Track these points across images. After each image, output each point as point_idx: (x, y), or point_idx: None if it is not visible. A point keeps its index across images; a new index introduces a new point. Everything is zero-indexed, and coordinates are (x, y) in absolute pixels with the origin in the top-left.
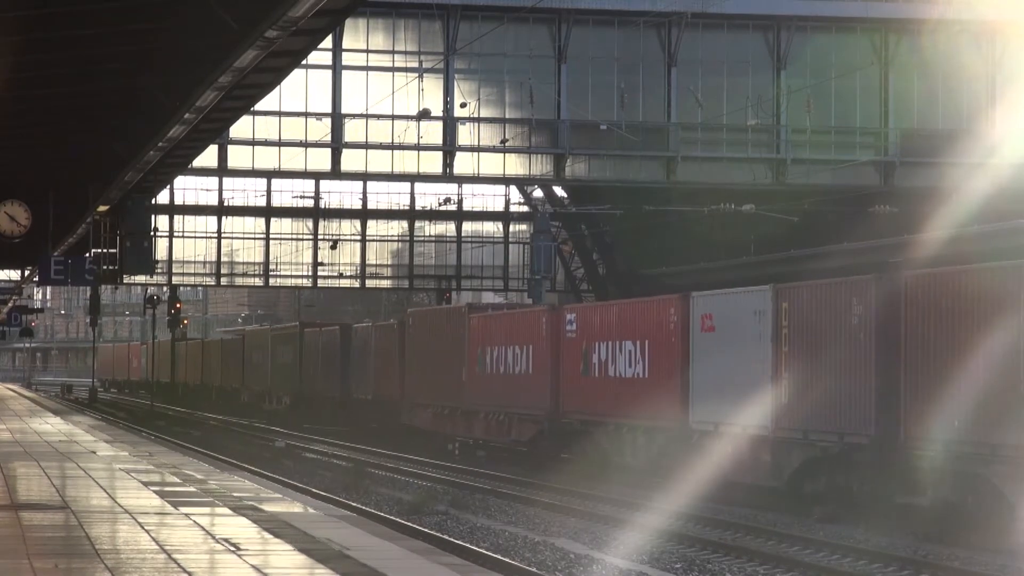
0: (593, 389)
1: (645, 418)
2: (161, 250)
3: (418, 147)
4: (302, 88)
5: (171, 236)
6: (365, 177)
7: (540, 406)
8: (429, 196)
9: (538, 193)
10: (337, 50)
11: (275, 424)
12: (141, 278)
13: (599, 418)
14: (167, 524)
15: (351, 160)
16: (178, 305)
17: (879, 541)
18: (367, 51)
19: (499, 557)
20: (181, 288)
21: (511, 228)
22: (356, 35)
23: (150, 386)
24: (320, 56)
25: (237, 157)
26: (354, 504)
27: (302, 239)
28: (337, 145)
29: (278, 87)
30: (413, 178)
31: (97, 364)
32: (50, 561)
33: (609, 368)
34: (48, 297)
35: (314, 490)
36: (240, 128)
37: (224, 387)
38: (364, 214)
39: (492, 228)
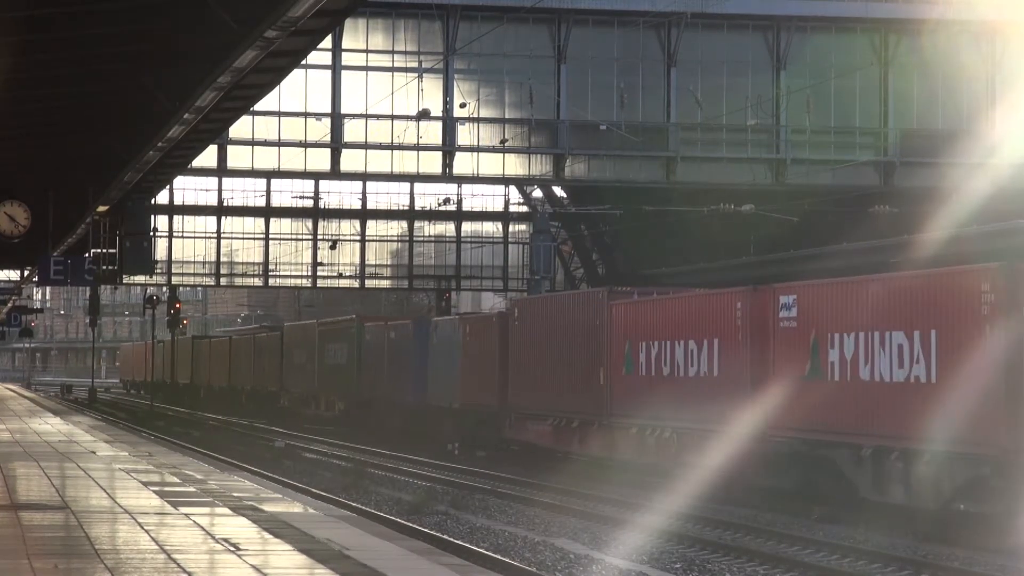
0: (828, 397)
1: (933, 440)
2: (161, 250)
3: (417, 147)
4: (302, 88)
5: (171, 236)
6: (364, 177)
7: (732, 420)
8: (428, 196)
9: (537, 193)
10: (337, 50)
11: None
12: (141, 278)
13: (840, 437)
14: (167, 524)
15: (350, 160)
16: (178, 305)
17: (879, 541)
18: (367, 51)
19: (499, 557)
20: (180, 288)
21: (511, 228)
22: (356, 35)
23: (168, 388)
24: (320, 56)
25: (237, 157)
26: (354, 504)
27: (301, 239)
28: (337, 145)
29: (278, 87)
30: (412, 178)
31: (119, 364)
32: (50, 561)
33: (860, 368)
34: (48, 297)
35: (314, 490)
36: (239, 128)
37: (257, 390)
38: (363, 214)
39: (491, 228)
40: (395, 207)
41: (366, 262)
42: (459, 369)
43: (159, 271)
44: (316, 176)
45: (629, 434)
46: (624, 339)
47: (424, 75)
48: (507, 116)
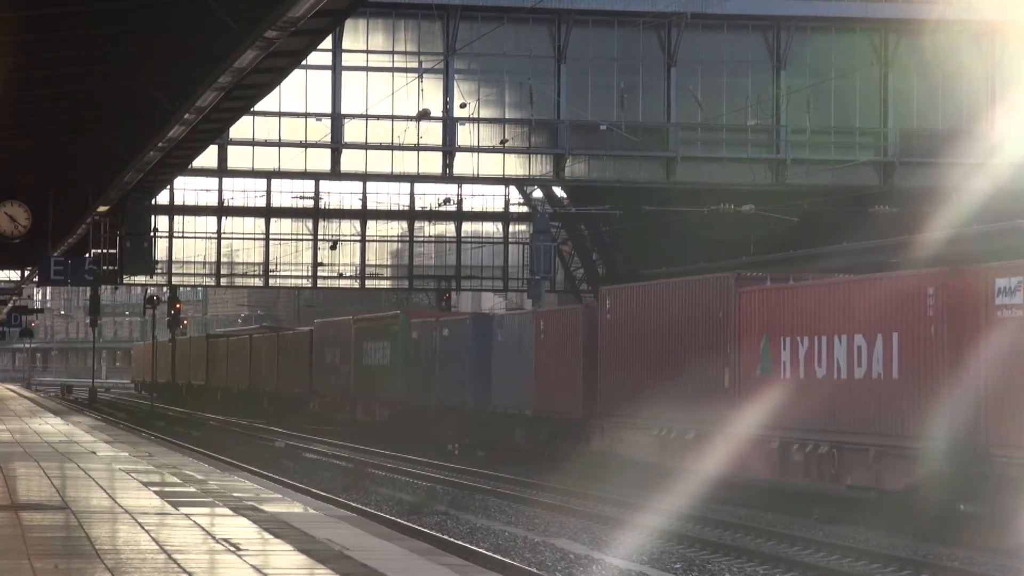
0: None
1: None
2: (161, 250)
3: (418, 147)
4: (302, 88)
5: (171, 236)
6: (365, 177)
7: (923, 434)
8: (429, 196)
9: (538, 193)
10: (337, 50)
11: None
12: (141, 278)
13: None
14: (167, 524)
15: (351, 160)
16: (178, 305)
17: (879, 541)
18: (367, 51)
19: (499, 557)
20: (181, 288)
21: (511, 228)
22: (356, 35)
23: (180, 390)
24: (320, 56)
25: (237, 157)
26: (354, 504)
27: (302, 239)
28: (337, 145)
29: (278, 87)
30: (413, 178)
31: (133, 364)
32: (50, 561)
33: None
34: (48, 298)
35: (314, 490)
36: (240, 128)
37: (282, 392)
38: (364, 214)
39: (492, 228)
40: (395, 207)
41: (366, 262)
42: (532, 371)
43: (159, 271)
44: (316, 176)
45: (768, 448)
46: (759, 333)
47: (424, 75)
48: (507, 116)
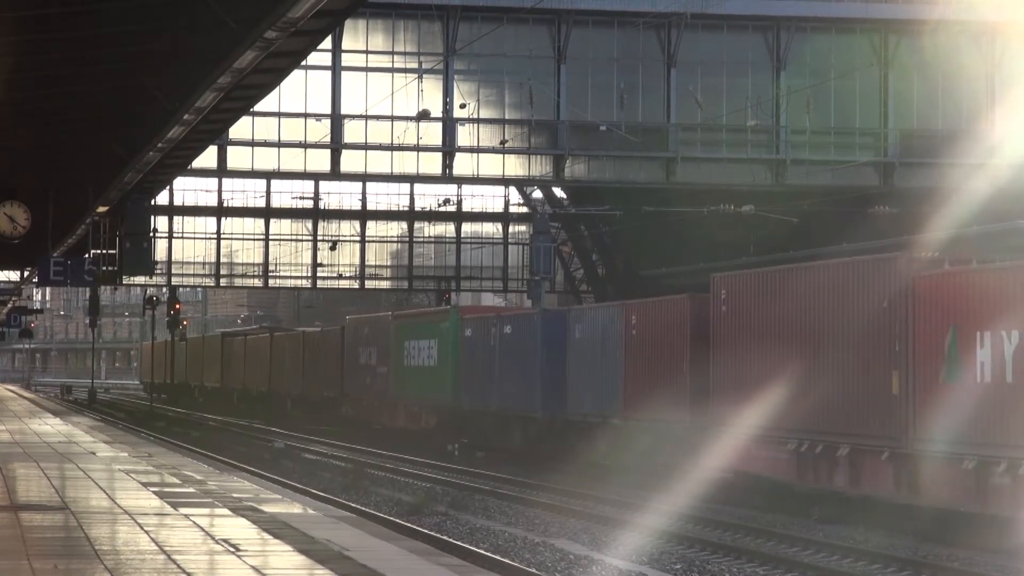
0: None
1: None
2: (160, 251)
3: (417, 148)
4: (301, 89)
5: (170, 237)
6: (364, 178)
7: None
8: (428, 197)
9: (537, 194)
10: (337, 51)
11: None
12: (140, 279)
13: None
14: (167, 525)
15: (350, 161)
16: (177, 306)
17: (879, 541)
18: (367, 52)
19: (498, 558)
20: (180, 289)
21: (510, 229)
22: (356, 36)
23: (192, 392)
24: (320, 57)
25: (236, 158)
26: (353, 505)
27: (301, 240)
28: (336, 146)
29: (277, 88)
30: (412, 179)
31: (140, 364)
32: (50, 562)
33: None
34: (48, 298)
35: (313, 491)
36: (239, 129)
37: (308, 395)
38: (363, 215)
39: (491, 229)
40: (395, 208)
41: (366, 263)
42: (621, 372)
43: (159, 272)
44: (316, 177)
45: (958, 470)
46: (943, 328)
47: (424, 76)
48: (507, 117)
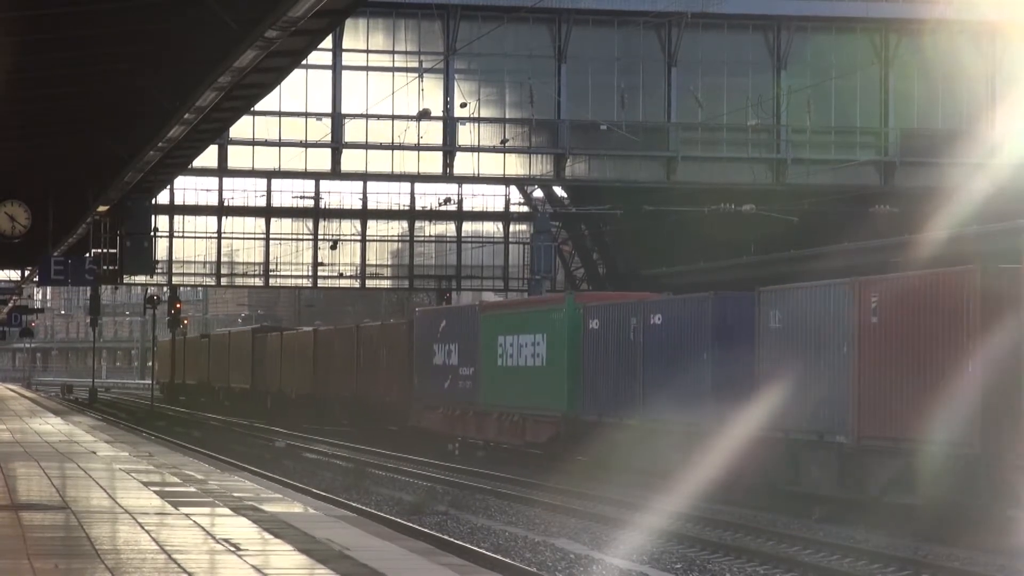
0: None
1: None
2: (161, 250)
3: (418, 147)
4: (302, 88)
5: (171, 236)
6: (365, 177)
7: None
8: (429, 196)
9: (538, 193)
10: (337, 50)
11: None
12: (141, 278)
13: None
14: (167, 524)
15: (351, 160)
16: (178, 305)
17: (879, 541)
18: (367, 51)
19: (499, 557)
20: (181, 288)
21: (511, 228)
22: (356, 35)
23: (214, 394)
24: (320, 56)
25: (237, 157)
26: (354, 504)
27: (302, 239)
28: (337, 145)
29: (278, 87)
30: (413, 178)
31: (156, 364)
32: (50, 561)
33: None
34: (48, 297)
35: (314, 490)
36: (240, 128)
37: (364, 400)
38: (364, 214)
39: (492, 228)
40: (396, 207)
41: (367, 262)
42: (853, 375)
43: (159, 271)
44: (317, 176)
45: None
46: None
47: (424, 75)
48: (507, 116)
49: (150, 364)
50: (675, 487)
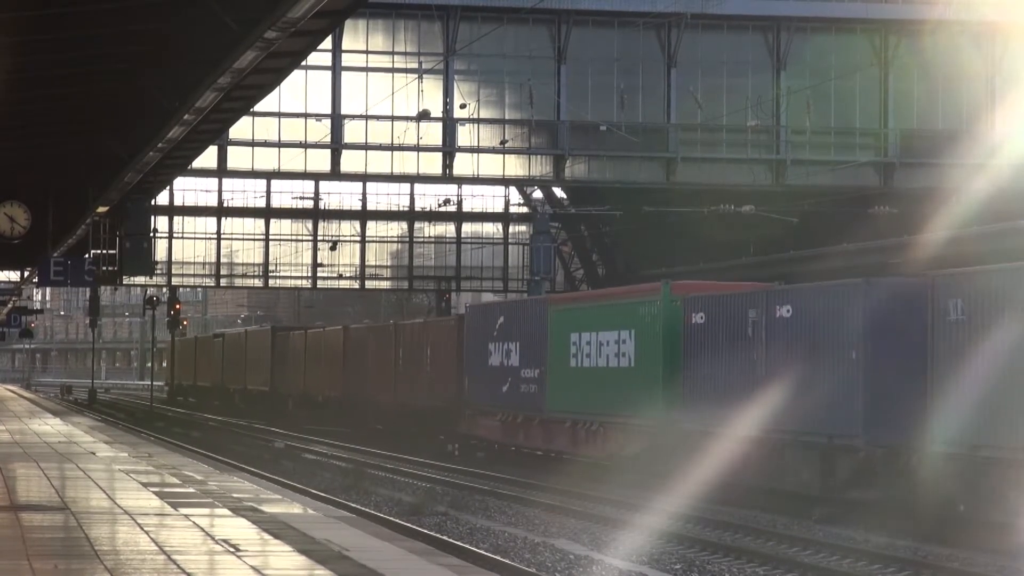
0: None
1: None
2: (161, 251)
3: (418, 148)
4: (302, 89)
5: (171, 237)
6: (365, 178)
7: None
8: (429, 197)
9: (538, 194)
10: (337, 51)
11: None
12: (140, 279)
13: None
14: (167, 525)
15: (351, 161)
16: (177, 306)
17: (879, 542)
18: (367, 52)
19: (498, 558)
20: (180, 289)
21: (511, 229)
22: (356, 36)
23: (227, 396)
24: (320, 57)
25: (237, 158)
26: (353, 505)
27: (302, 240)
28: (337, 146)
29: (278, 88)
30: (413, 179)
31: (167, 364)
32: (50, 562)
33: None
34: (48, 298)
35: (313, 491)
36: (240, 129)
37: (405, 405)
38: (364, 215)
39: (492, 229)
40: (395, 208)
41: (366, 263)
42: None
43: (159, 272)
44: (316, 177)
45: None
46: None
47: (424, 76)
48: (507, 117)
49: (149, 365)
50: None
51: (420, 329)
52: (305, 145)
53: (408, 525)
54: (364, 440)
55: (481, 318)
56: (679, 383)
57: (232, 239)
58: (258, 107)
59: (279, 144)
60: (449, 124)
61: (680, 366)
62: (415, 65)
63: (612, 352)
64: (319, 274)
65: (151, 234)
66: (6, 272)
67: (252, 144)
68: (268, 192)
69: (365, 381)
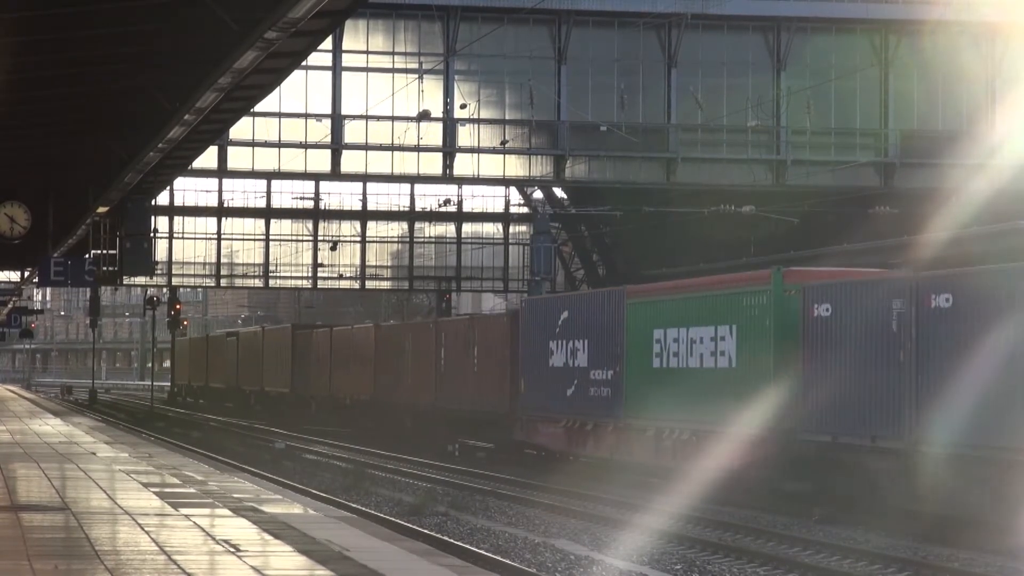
0: None
1: None
2: (161, 251)
3: (418, 148)
4: (302, 89)
5: (171, 237)
6: (365, 178)
7: None
8: (429, 197)
9: (538, 194)
10: (337, 51)
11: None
12: (141, 279)
13: None
14: (167, 525)
15: (351, 161)
16: (178, 306)
17: (879, 542)
18: (367, 52)
19: (499, 558)
20: (180, 289)
21: (511, 229)
22: (356, 36)
23: (243, 398)
24: (320, 57)
25: (237, 158)
26: (354, 505)
27: (302, 240)
28: (337, 146)
29: (278, 88)
30: (413, 179)
31: (174, 365)
32: (50, 562)
33: None
34: (48, 298)
35: (314, 491)
36: (240, 129)
37: (448, 409)
38: (364, 215)
39: (492, 229)
40: (395, 208)
41: (366, 263)
42: None
43: (159, 272)
44: (316, 177)
45: None
46: None
47: (424, 76)
48: (507, 117)
49: (150, 365)
50: (674, 488)
51: (466, 326)
52: (305, 145)
53: (409, 525)
54: (364, 440)
55: (540, 313)
56: (796, 387)
57: (232, 239)
58: (258, 107)
59: (279, 144)
60: (449, 124)
61: (799, 367)
62: (415, 65)
63: (708, 351)
64: (319, 274)
65: (151, 234)
66: (6, 272)
67: (252, 144)
68: (268, 192)
69: (400, 383)
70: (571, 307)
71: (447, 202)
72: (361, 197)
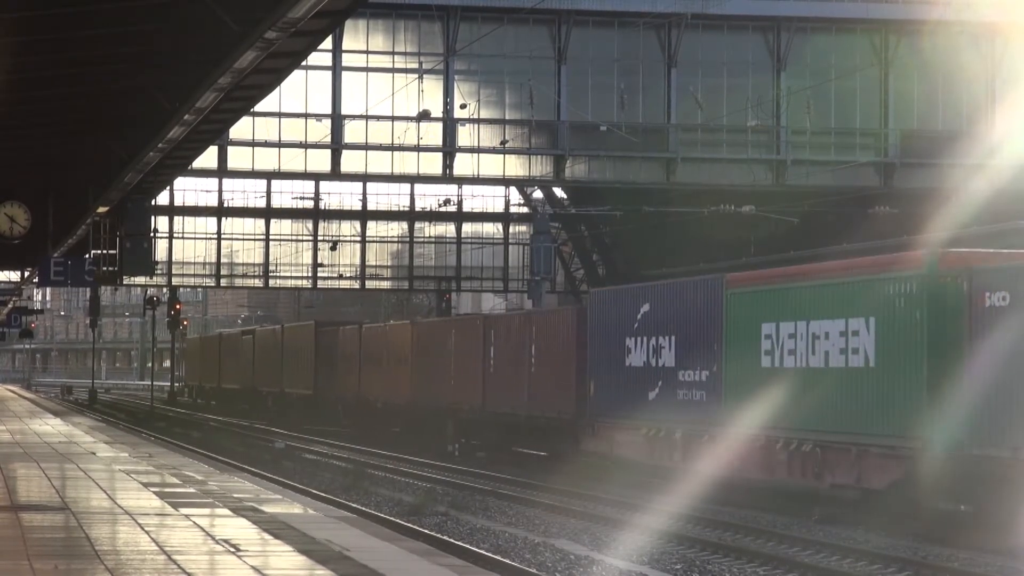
0: None
1: None
2: (161, 251)
3: (418, 148)
4: (302, 89)
5: (171, 237)
6: (365, 178)
7: None
8: (429, 197)
9: (538, 194)
10: (337, 51)
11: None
12: (141, 279)
13: None
14: (167, 525)
15: (351, 161)
16: (178, 306)
17: (879, 542)
18: (367, 52)
19: (499, 558)
20: (180, 289)
21: (511, 229)
22: (356, 36)
23: (259, 400)
24: (320, 57)
25: (237, 158)
26: (354, 505)
27: (302, 240)
28: (337, 146)
29: (278, 88)
30: (413, 179)
31: (185, 364)
32: (50, 562)
33: None
34: (48, 298)
35: (314, 491)
36: (240, 129)
37: (502, 414)
38: (364, 215)
39: (492, 229)
40: (395, 208)
41: (366, 263)
42: None
43: (159, 272)
44: (316, 177)
45: None
46: None
47: (424, 76)
48: (507, 117)
49: (150, 365)
50: (674, 488)
51: (521, 323)
52: (305, 145)
53: (409, 525)
54: (361, 440)
55: (614, 306)
56: (961, 391)
57: (232, 239)
58: (258, 107)
59: (279, 144)
60: (449, 124)
61: (960, 367)
62: (415, 65)
63: (835, 348)
64: (319, 274)
65: (151, 234)
66: (6, 272)
67: (252, 144)
68: (268, 192)
69: (442, 385)
70: (653, 299)
71: (447, 202)
72: (361, 197)
